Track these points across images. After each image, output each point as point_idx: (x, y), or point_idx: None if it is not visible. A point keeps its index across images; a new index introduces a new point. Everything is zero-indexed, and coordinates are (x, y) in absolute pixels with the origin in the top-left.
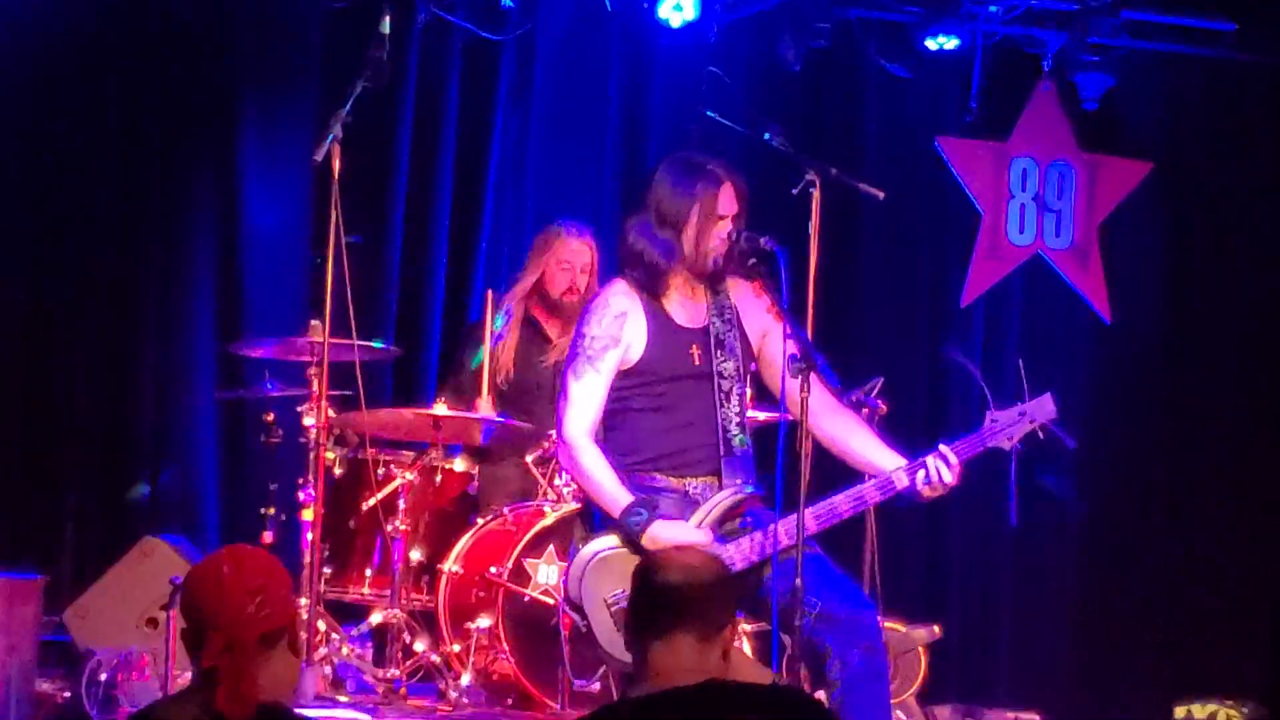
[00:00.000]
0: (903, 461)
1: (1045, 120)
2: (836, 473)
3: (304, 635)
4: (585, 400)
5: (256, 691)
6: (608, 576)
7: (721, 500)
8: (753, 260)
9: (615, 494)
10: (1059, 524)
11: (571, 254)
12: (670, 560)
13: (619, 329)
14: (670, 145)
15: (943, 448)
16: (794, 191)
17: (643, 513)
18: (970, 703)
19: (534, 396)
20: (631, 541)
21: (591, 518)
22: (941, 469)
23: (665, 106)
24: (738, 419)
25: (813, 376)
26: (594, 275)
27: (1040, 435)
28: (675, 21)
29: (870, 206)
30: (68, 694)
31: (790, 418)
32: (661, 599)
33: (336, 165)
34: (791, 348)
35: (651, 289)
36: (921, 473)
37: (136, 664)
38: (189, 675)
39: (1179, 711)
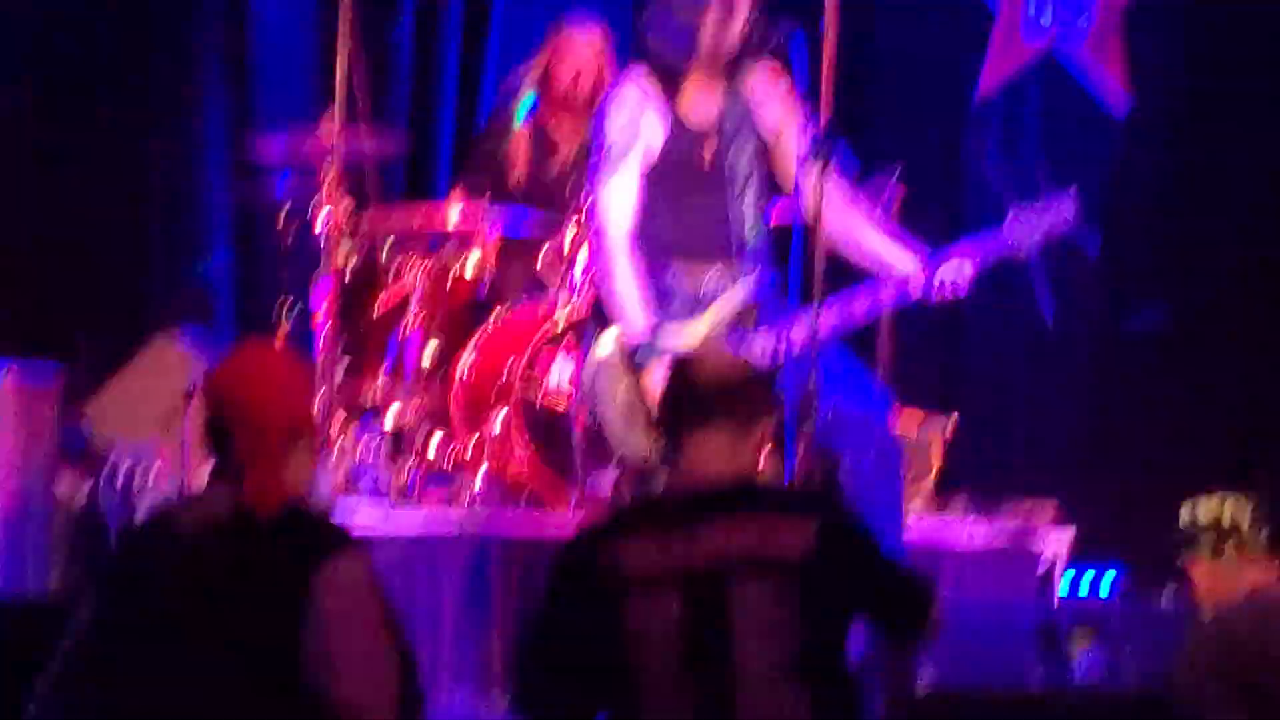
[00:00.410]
0: (916, 261)
1: None
2: (849, 272)
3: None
4: (620, 203)
5: (283, 486)
6: (624, 372)
7: (735, 296)
8: (769, 45)
9: (634, 317)
10: (1078, 319)
11: (578, 49)
12: (704, 357)
13: (637, 127)
14: None
15: (957, 250)
16: None
17: (651, 349)
18: (985, 493)
19: (545, 198)
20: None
21: (607, 315)
22: (956, 276)
23: None
24: (752, 214)
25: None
26: (607, 71)
27: (1058, 235)
28: None
29: None
30: (86, 490)
31: (803, 211)
32: (695, 394)
33: None
34: (810, 133)
35: (667, 83)
36: (937, 280)
37: (155, 460)
38: (207, 471)
39: (1184, 509)
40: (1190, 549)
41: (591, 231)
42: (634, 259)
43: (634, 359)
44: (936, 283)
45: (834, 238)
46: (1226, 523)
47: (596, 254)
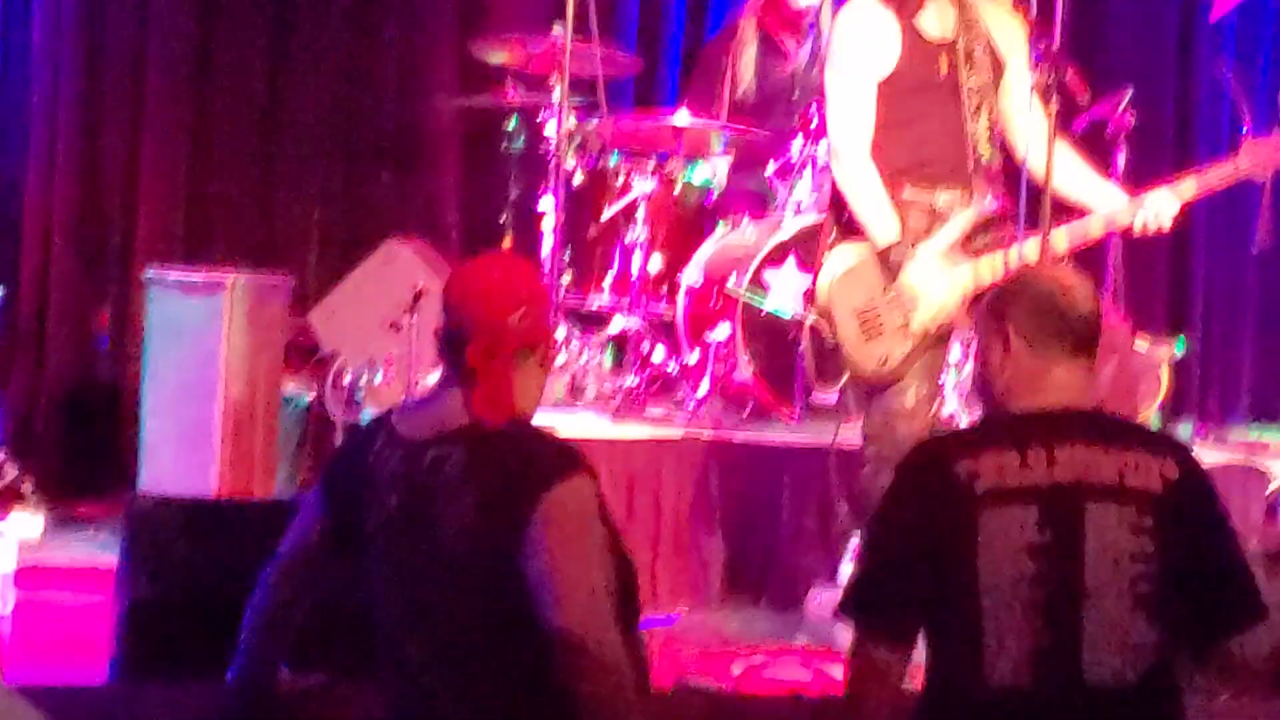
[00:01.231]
0: (1123, 197)
1: None
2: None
3: (553, 352)
4: (858, 114)
5: (513, 399)
6: (858, 286)
7: (969, 215)
8: None
9: (885, 222)
10: None
11: None
12: (1071, 285)
13: (874, 38)
14: None
15: (1165, 189)
16: None
17: (905, 250)
18: (1212, 418)
19: (773, 109)
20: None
21: (842, 224)
22: (1162, 213)
23: None
24: (987, 133)
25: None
26: None
27: None
28: None
29: None
30: (313, 394)
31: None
32: (1068, 324)
33: None
34: (1039, 60)
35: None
36: (1141, 214)
37: (380, 366)
38: (432, 379)
39: None
40: None
41: (829, 141)
42: (874, 170)
43: (889, 260)
44: (1139, 221)
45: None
46: None
47: (835, 163)
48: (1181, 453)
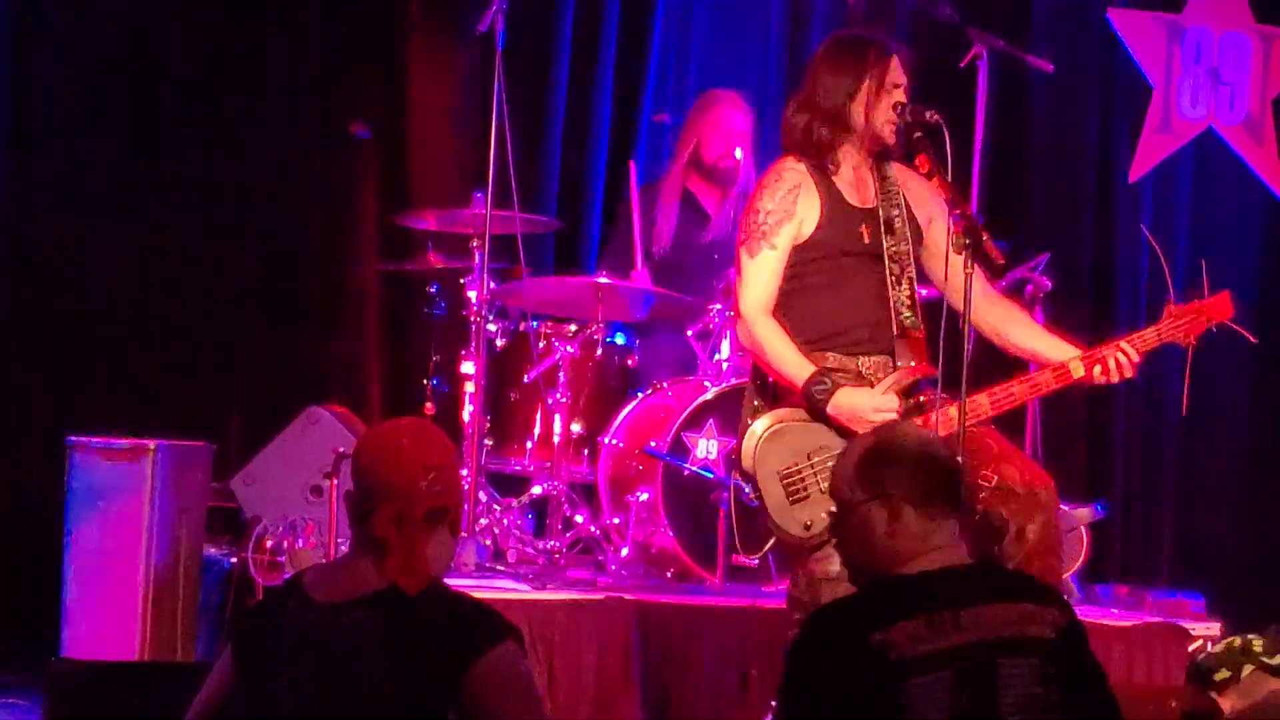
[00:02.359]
0: (1073, 351)
1: None
2: (1000, 358)
3: (463, 510)
4: (762, 276)
5: (426, 565)
6: (782, 449)
7: (897, 378)
8: (917, 134)
9: (797, 365)
10: (1226, 408)
11: (727, 118)
12: (944, 441)
13: (793, 203)
14: (835, 19)
15: (1122, 343)
16: (961, 65)
17: (826, 382)
18: (1132, 583)
19: (692, 271)
20: (811, 413)
21: (764, 389)
22: (1123, 363)
23: None
24: (908, 301)
25: (975, 266)
26: (750, 145)
27: (1214, 332)
28: None
29: (1038, 79)
30: (235, 559)
31: (953, 304)
32: (954, 476)
33: (500, 36)
34: (955, 225)
35: (821, 165)
36: (1098, 368)
37: (301, 531)
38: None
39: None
40: None
41: (733, 302)
42: (776, 324)
43: (812, 395)
44: (1098, 373)
45: (986, 333)
46: None
47: (739, 325)
48: (1061, 600)
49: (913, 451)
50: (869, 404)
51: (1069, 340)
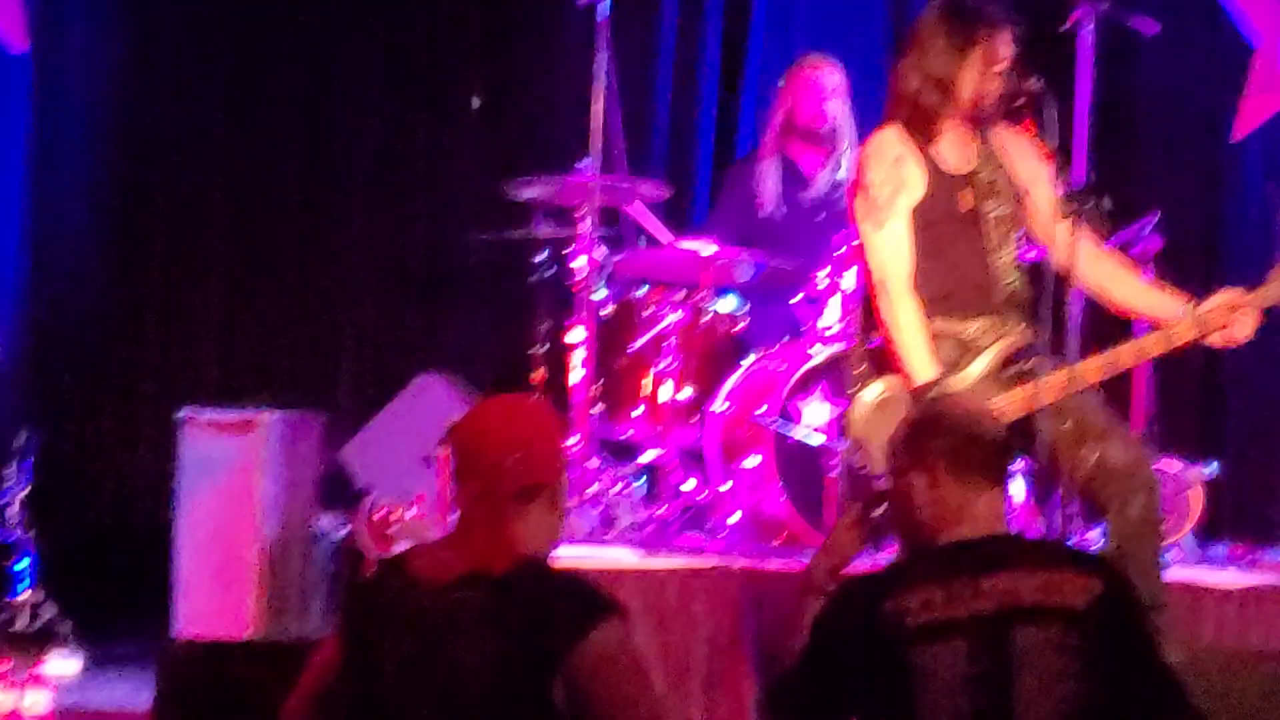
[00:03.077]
0: (1183, 305)
1: None
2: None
3: (564, 484)
4: (896, 247)
5: (512, 544)
6: (891, 416)
7: (1001, 347)
8: (1020, 101)
9: (921, 363)
10: None
11: (818, 78)
12: (983, 417)
13: (901, 173)
14: None
15: (1234, 297)
16: (1063, 28)
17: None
18: (1248, 541)
19: (796, 234)
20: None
21: (871, 354)
22: (1241, 325)
23: None
24: (1012, 263)
25: (1080, 229)
26: (846, 103)
27: None
28: None
29: (1143, 41)
30: (346, 529)
31: (1058, 266)
32: (988, 455)
33: (602, 6)
34: (1060, 189)
35: (924, 133)
36: (1217, 335)
37: (414, 501)
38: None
39: None
40: None
41: (874, 275)
42: (917, 305)
43: (922, 398)
44: (1217, 338)
45: (1092, 291)
46: None
47: (882, 297)
48: (1108, 570)
49: (956, 423)
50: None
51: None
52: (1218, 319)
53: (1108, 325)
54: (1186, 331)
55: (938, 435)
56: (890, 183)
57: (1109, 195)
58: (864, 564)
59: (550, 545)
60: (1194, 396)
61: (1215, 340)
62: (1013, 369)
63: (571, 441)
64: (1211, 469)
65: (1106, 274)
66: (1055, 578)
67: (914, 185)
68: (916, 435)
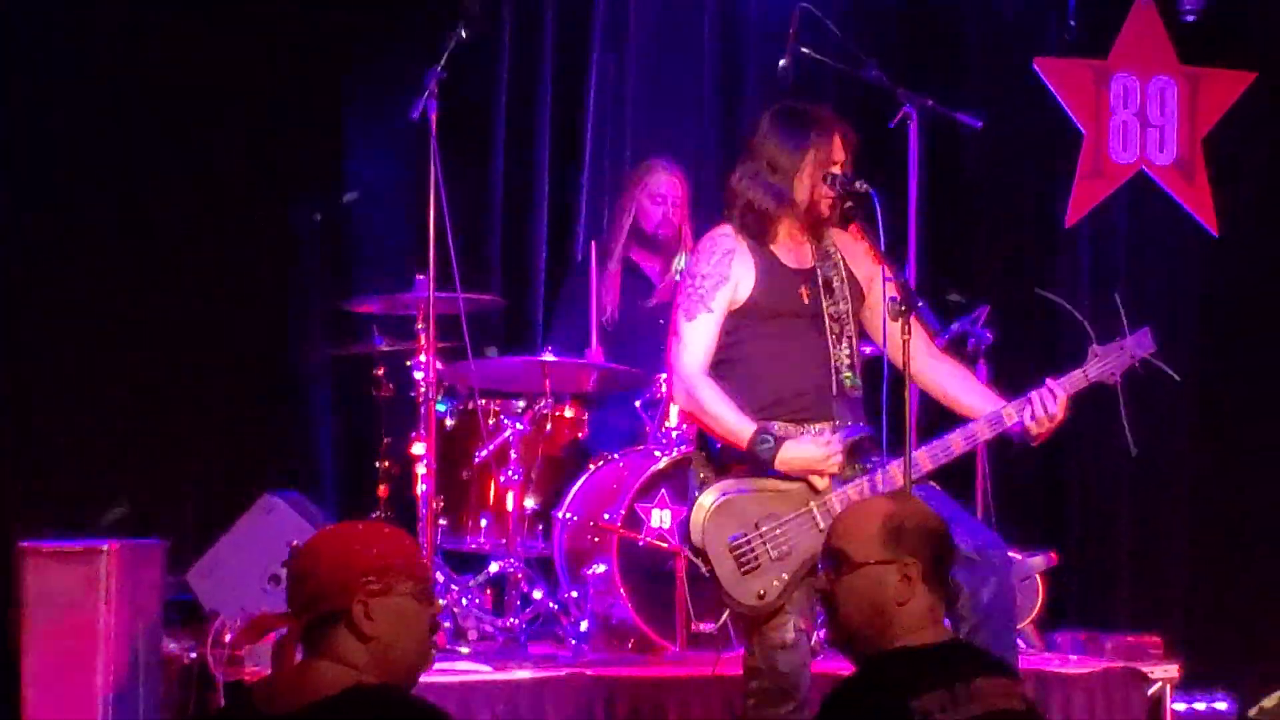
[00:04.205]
0: (1006, 407)
1: (1144, 35)
2: (940, 415)
3: (390, 612)
4: (699, 338)
5: (338, 672)
6: (730, 520)
7: (838, 442)
8: (848, 203)
9: (738, 425)
10: (1175, 448)
11: (662, 186)
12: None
13: (727, 266)
14: (766, 81)
15: (1049, 382)
16: (891, 125)
17: (769, 439)
18: (1090, 628)
19: (638, 339)
20: (756, 472)
21: (710, 459)
22: (1047, 402)
23: (760, 43)
24: (849, 360)
25: (913, 320)
26: (687, 210)
27: (1140, 370)
28: None
29: (970, 133)
30: (194, 654)
31: (894, 361)
32: (951, 557)
33: (434, 119)
34: (891, 291)
35: (759, 234)
36: (1029, 409)
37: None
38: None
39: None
40: None
41: (669, 373)
42: (714, 385)
43: (757, 453)
44: (1028, 415)
45: (926, 387)
46: None
47: (675, 385)
48: (1019, 676)
49: (931, 524)
50: (818, 453)
51: (1007, 394)
52: (1034, 396)
53: (942, 419)
54: (1009, 415)
55: (917, 533)
56: (714, 276)
57: (951, 288)
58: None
59: (393, 667)
60: (1032, 489)
61: (1030, 424)
62: (852, 463)
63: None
64: (1051, 558)
65: (938, 373)
66: (1008, 684)
67: (743, 280)
68: (896, 529)
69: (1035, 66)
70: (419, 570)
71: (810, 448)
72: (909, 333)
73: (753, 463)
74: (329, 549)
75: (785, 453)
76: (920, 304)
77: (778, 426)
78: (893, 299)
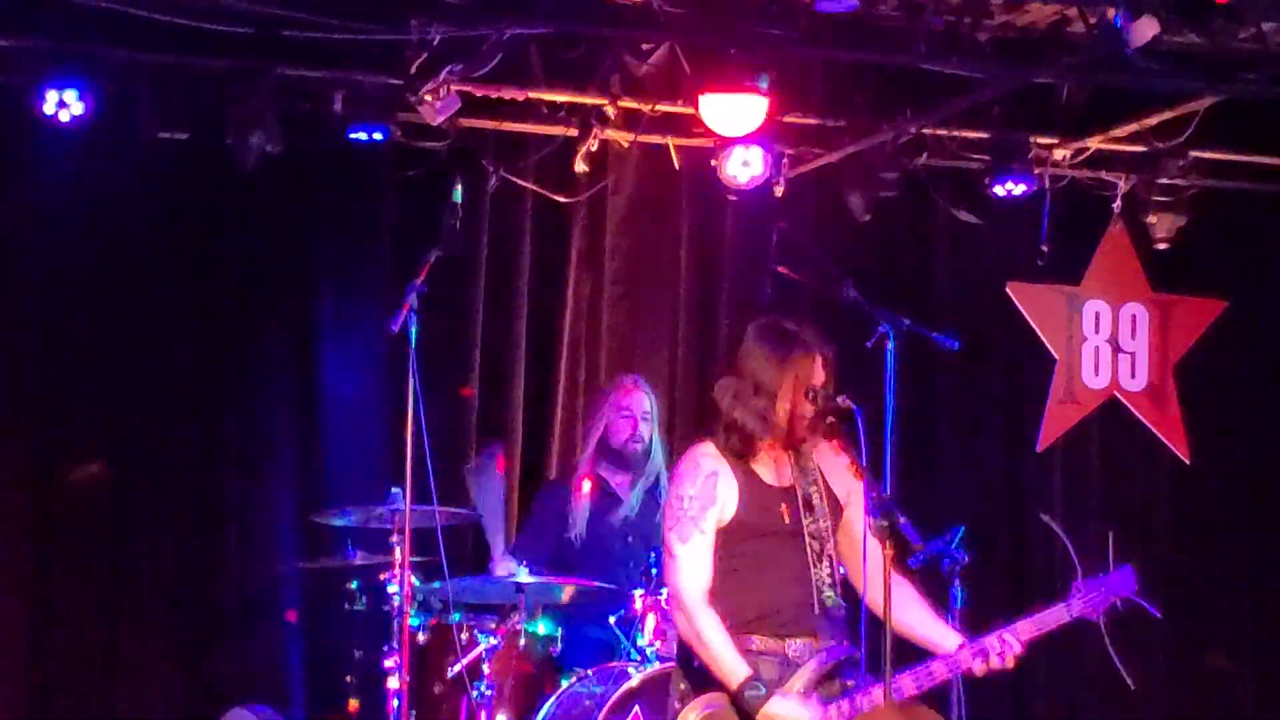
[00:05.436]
0: (957, 639)
1: (1116, 262)
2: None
3: None
4: (696, 562)
5: None
6: None
7: (817, 669)
8: (830, 419)
9: (733, 666)
10: (1150, 674)
11: (630, 401)
12: None
13: (713, 488)
14: (742, 300)
15: (1004, 633)
16: (869, 344)
17: (760, 687)
18: None
19: (609, 555)
20: (740, 710)
21: (693, 675)
22: (1005, 655)
23: (736, 262)
24: (829, 578)
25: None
26: (654, 426)
27: (1120, 607)
28: (743, 178)
29: (945, 353)
30: None
31: (854, 582)
32: None
33: (413, 333)
34: (871, 508)
35: (741, 452)
36: (979, 661)
37: None
38: None
39: None
40: None
41: (669, 595)
42: (715, 615)
43: (744, 699)
44: (978, 665)
45: (876, 614)
46: None
47: (677, 612)
48: None
49: None
50: (801, 716)
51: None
52: (989, 648)
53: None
54: (964, 659)
55: None
56: (701, 498)
57: (915, 508)
58: None
59: None
60: (1005, 712)
61: (979, 670)
62: (830, 685)
63: None
64: None
65: (897, 600)
66: None
67: (727, 501)
68: None
69: (1008, 290)
70: None
71: (796, 709)
72: (890, 549)
73: (737, 704)
74: None
75: (771, 707)
76: (902, 520)
77: (758, 641)
78: (873, 513)
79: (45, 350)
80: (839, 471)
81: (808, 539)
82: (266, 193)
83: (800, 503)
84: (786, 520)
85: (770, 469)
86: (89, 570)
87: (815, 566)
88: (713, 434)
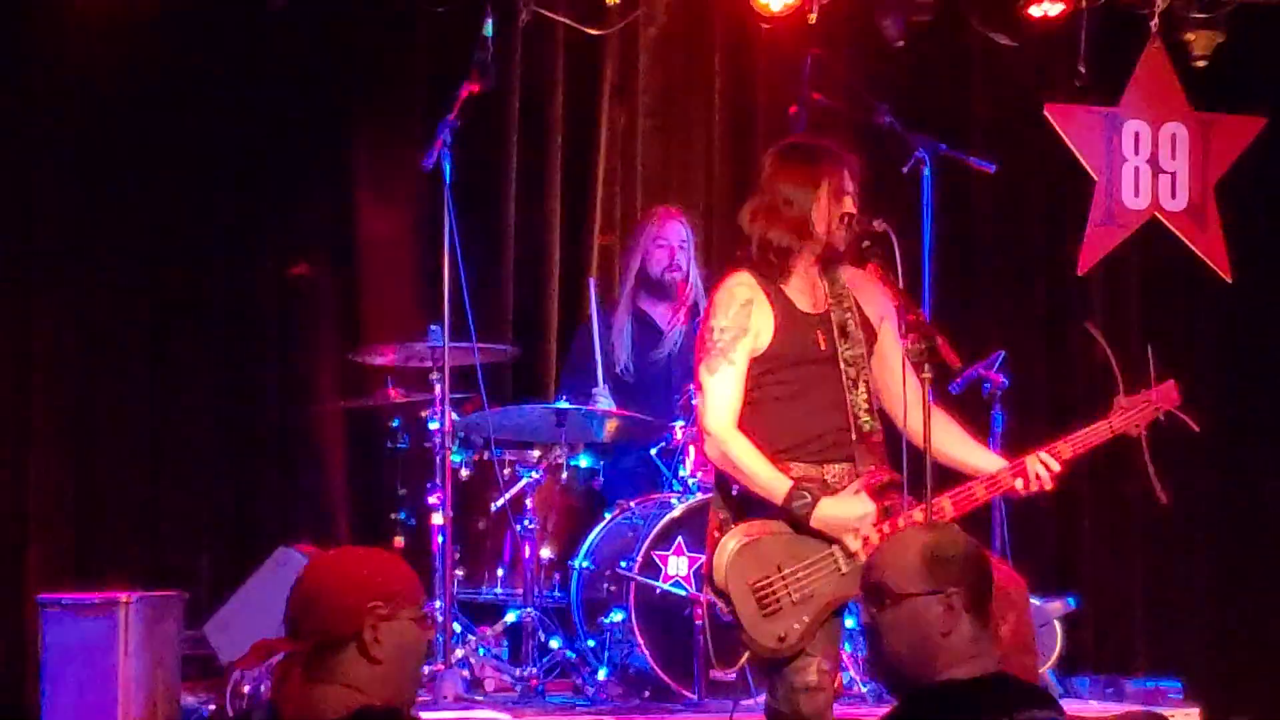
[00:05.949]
0: (999, 462)
1: (1155, 81)
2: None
3: (390, 640)
4: (724, 392)
5: (333, 703)
6: (753, 562)
7: (865, 482)
8: (866, 243)
9: (774, 480)
10: (1192, 493)
11: (666, 231)
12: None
13: (746, 318)
14: (777, 130)
15: (1042, 453)
16: (904, 170)
17: (806, 495)
18: (1109, 673)
19: (652, 388)
20: (791, 524)
21: (730, 501)
22: (1043, 475)
23: (770, 91)
24: (866, 404)
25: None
26: (693, 256)
27: (1162, 420)
28: (776, 5)
29: (982, 178)
30: (212, 706)
31: (889, 410)
32: (991, 587)
33: (447, 170)
34: (909, 331)
35: (776, 275)
36: (1020, 481)
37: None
38: None
39: None
40: None
41: (698, 428)
42: (745, 436)
43: (793, 510)
44: (1019, 485)
45: (915, 440)
46: None
47: (706, 441)
48: (1063, 710)
49: (971, 551)
50: (854, 512)
51: (1018, 442)
52: (1028, 466)
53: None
54: (1005, 479)
55: (958, 563)
56: (734, 329)
57: (953, 333)
58: None
59: (396, 690)
60: (1049, 529)
61: (1021, 490)
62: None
63: (436, 605)
64: (1069, 603)
65: (938, 423)
66: (1055, 717)
67: (763, 330)
68: (936, 560)
69: (1046, 112)
70: (420, 596)
71: (848, 504)
72: (928, 371)
73: (787, 517)
74: (336, 574)
75: (821, 510)
76: (940, 342)
77: (797, 468)
78: (913, 341)
79: (84, 197)
80: (873, 296)
81: (843, 365)
82: (298, 30)
83: (835, 329)
84: (822, 346)
85: (805, 294)
86: (127, 415)
87: (851, 392)
88: (745, 262)
